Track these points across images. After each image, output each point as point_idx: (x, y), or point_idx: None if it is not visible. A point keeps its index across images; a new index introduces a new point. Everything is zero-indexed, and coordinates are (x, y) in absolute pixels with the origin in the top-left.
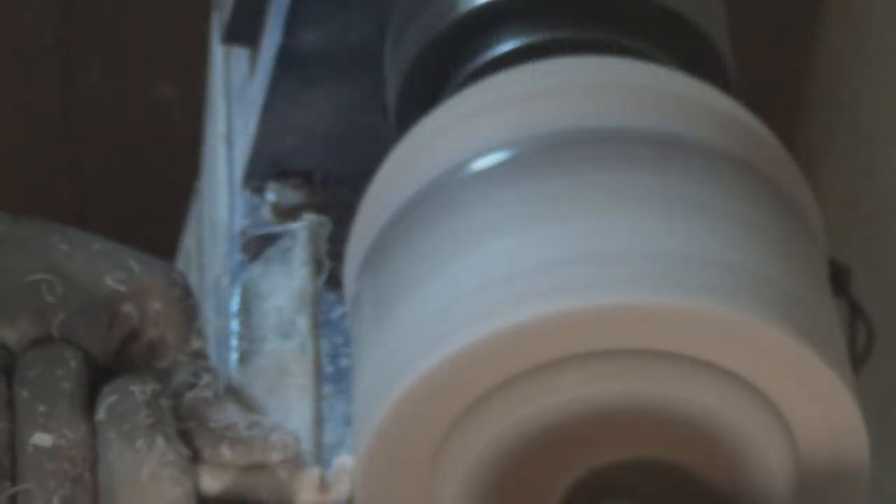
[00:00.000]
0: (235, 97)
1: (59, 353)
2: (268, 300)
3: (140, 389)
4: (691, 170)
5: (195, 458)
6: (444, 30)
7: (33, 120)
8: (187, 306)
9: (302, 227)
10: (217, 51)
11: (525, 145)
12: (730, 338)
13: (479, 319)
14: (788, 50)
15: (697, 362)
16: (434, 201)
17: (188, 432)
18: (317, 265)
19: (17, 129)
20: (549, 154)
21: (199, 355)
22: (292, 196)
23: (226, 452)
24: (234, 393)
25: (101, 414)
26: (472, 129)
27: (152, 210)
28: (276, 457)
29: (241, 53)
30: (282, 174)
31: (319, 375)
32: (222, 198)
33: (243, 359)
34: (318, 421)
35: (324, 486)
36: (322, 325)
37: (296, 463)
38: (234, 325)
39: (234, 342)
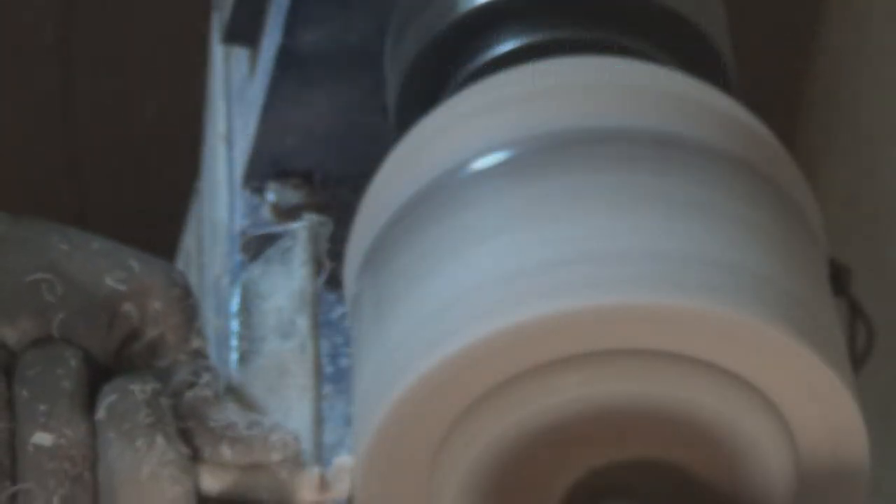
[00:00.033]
0: (235, 97)
1: (59, 353)
2: (268, 300)
3: (140, 388)
4: (691, 170)
5: (195, 457)
6: (444, 30)
7: (33, 120)
8: (187, 306)
9: (302, 227)
10: (217, 51)
11: (525, 145)
12: (730, 338)
13: (479, 319)
14: (788, 50)
15: (697, 362)
16: (434, 201)
17: (188, 431)
18: (317, 265)
19: (17, 129)
20: (549, 154)
21: (199, 355)
22: (292, 196)
23: (226, 452)
24: (234, 393)
25: (101, 413)
26: (472, 129)
27: (152, 210)
28: (276, 456)
29: (241, 53)
30: (282, 174)
31: (319, 375)
32: (222, 198)
33: (243, 359)
34: (318, 421)
35: (324, 485)
36: (322, 325)
37: (296, 462)
38: (234, 325)
39: (234, 342)
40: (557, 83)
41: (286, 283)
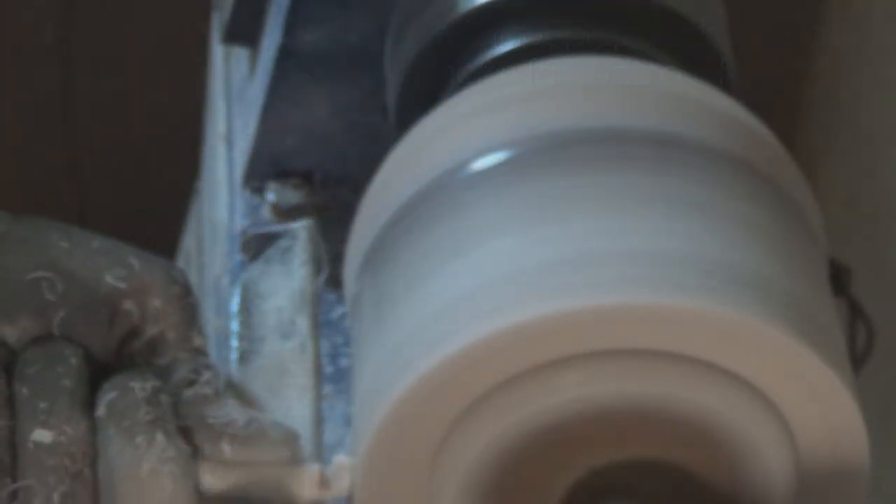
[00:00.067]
0: (235, 97)
1: (59, 351)
2: (268, 300)
3: (140, 386)
4: (691, 170)
5: (195, 454)
6: (444, 30)
7: (33, 120)
8: (187, 304)
9: (302, 227)
10: (217, 51)
11: (525, 145)
12: (730, 338)
13: (479, 319)
14: (788, 50)
15: (697, 362)
16: (434, 201)
17: (188, 429)
18: (317, 265)
19: (17, 129)
20: (548, 154)
21: (200, 352)
22: (292, 196)
23: (226, 449)
24: (235, 392)
25: (101, 410)
26: (472, 129)
27: (152, 210)
28: (275, 453)
29: (241, 53)
30: (282, 174)
31: (319, 375)
32: (222, 198)
33: (243, 359)
34: (318, 421)
35: (323, 482)
36: (322, 325)
37: (295, 459)
38: (234, 325)
39: (234, 342)
40: (557, 83)
41: (286, 283)
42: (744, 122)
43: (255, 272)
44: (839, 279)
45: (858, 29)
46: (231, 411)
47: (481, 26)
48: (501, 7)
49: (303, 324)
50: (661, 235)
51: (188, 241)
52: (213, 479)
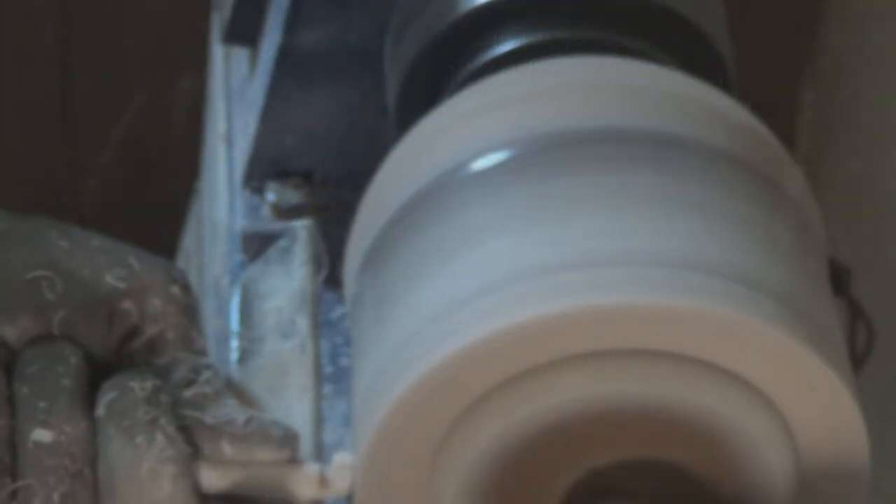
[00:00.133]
0: (235, 97)
1: (59, 350)
2: (268, 300)
3: (140, 386)
4: (691, 170)
5: (195, 454)
6: (444, 30)
7: (33, 120)
8: (187, 304)
9: (302, 227)
10: (217, 51)
11: (525, 145)
12: (730, 338)
13: (480, 319)
14: (788, 50)
15: (697, 362)
16: (434, 201)
17: (188, 428)
18: (317, 265)
19: (17, 129)
20: (548, 154)
21: (199, 352)
22: (292, 196)
23: (226, 448)
24: (235, 392)
25: (100, 410)
26: (472, 129)
27: (152, 210)
28: (275, 452)
29: (241, 53)
30: (282, 174)
31: (319, 375)
32: (222, 198)
33: (243, 359)
34: (318, 421)
35: (323, 481)
36: (322, 325)
37: (295, 459)
38: (234, 325)
39: (234, 342)
40: (557, 83)
41: (286, 283)
42: (744, 122)
43: (255, 272)
44: (839, 279)
45: (858, 29)
46: (231, 411)
47: (481, 26)
48: (501, 7)
49: (303, 324)
50: (661, 235)
51: (188, 241)
52: (212, 479)
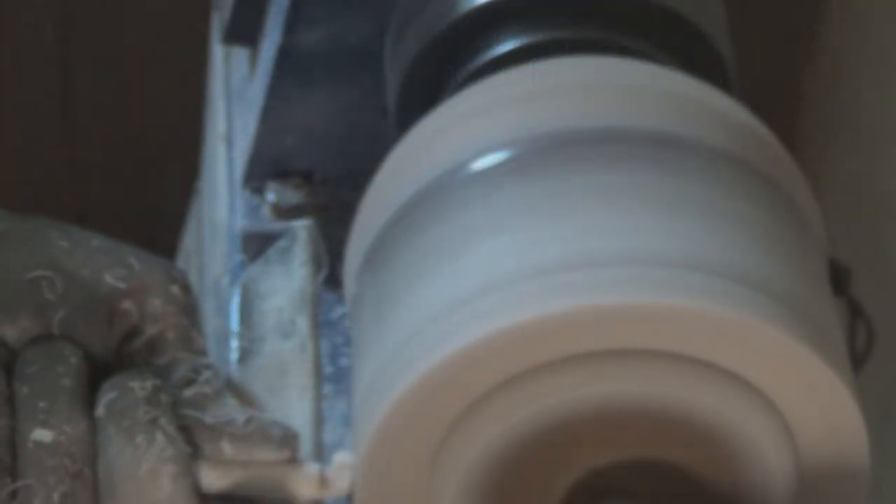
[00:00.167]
0: (235, 97)
1: (59, 350)
2: (268, 300)
3: (140, 385)
4: (691, 170)
5: (195, 454)
6: (444, 30)
7: (33, 120)
8: (187, 304)
9: (302, 227)
10: (217, 51)
11: (525, 145)
12: (730, 338)
13: (479, 319)
14: (788, 50)
15: (697, 362)
16: (434, 201)
17: (188, 428)
18: (317, 265)
19: (17, 129)
20: (548, 154)
21: (199, 352)
22: (292, 196)
23: (226, 448)
24: (235, 392)
25: (100, 410)
26: (472, 129)
27: (152, 210)
28: (275, 452)
29: (241, 53)
30: (282, 174)
31: (319, 375)
32: (222, 198)
33: (243, 359)
34: (318, 421)
35: (323, 481)
36: (322, 325)
37: (295, 459)
38: (234, 325)
39: (234, 342)
40: (557, 83)
41: (286, 283)
42: (744, 122)
43: (255, 272)
44: (839, 279)
45: (858, 29)
46: (231, 411)
47: (481, 26)
48: (501, 7)
49: (303, 324)
50: (661, 235)
51: (188, 241)
52: (212, 479)
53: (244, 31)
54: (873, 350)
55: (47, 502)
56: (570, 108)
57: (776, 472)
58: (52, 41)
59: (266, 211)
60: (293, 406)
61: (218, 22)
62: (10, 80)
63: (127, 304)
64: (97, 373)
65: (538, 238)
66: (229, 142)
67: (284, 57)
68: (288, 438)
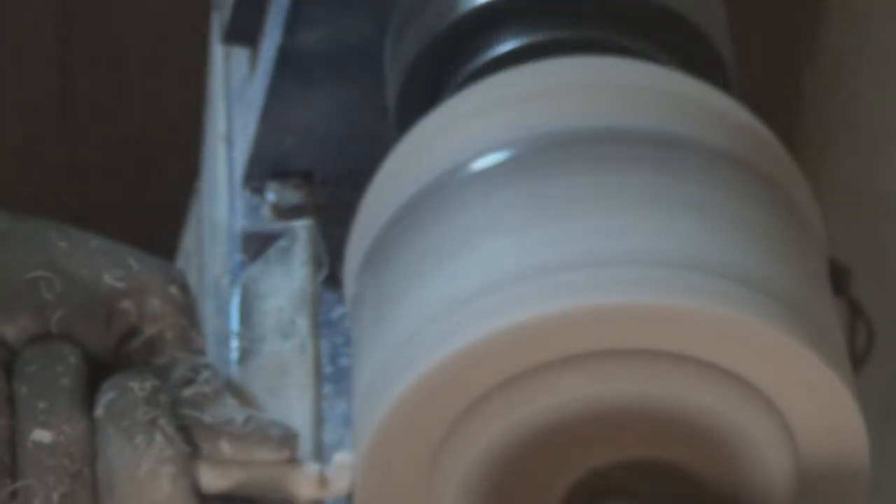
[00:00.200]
0: (235, 97)
1: (58, 350)
2: (268, 300)
3: (139, 386)
4: (691, 170)
5: (194, 453)
6: (444, 30)
7: (33, 120)
8: (185, 304)
9: (302, 227)
10: (217, 51)
11: (525, 145)
12: (730, 338)
13: (480, 319)
14: (788, 50)
15: (697, 362)
16: (434, 201)
17: (187, 428)
18: (317, 265)
19: (17, 129)
20: (548, 154)
21: (198, 352)
22: (292, 196)
23: (225, 447)
24: (234, 392)
25: (100, 410)
26: (472, 129)
27: (152, 210)
28: (274, 452)
29: (241, 53)
30: (282, 174)
31: (319, 375)
32: (222, 198)
33: (243, 359)
34: (318, 421)
35: (323, 481)
36: (322, 325)
37: (295, 458)
38: (234, 325)
39: (234, 342)
40: (557, 83)
41: (286, 283)
42: (744, 122)
43: (255, 272)
44: (839, 279)
45: (858, 29)
46: (230, 410)
47: (481, 26)
48: (501, 7)
49: (303, 324)
50: (661, 235)
51: (188, 241)
52: (212, 479)
53: (244, 31)
54: (873, 350)
55: (47, 502)
56: (570, 108)
57: (776, 472)
58: (52, 41)
59: (266, 211)
60: (293, 406)
61: (218, 22)
62: (10, 80)
63: (125, 304)
64: (96, 373)
65: (538, 238)
66: (229, 142)
67: (284, 57)
68: (287, 438)
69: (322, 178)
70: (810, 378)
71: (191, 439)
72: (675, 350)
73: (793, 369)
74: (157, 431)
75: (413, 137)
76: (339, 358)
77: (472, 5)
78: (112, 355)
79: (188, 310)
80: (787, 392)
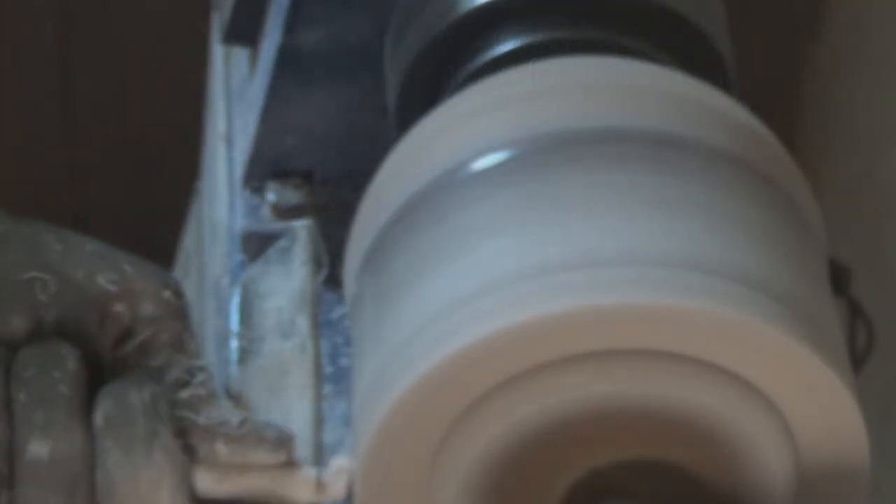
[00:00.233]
0: (235, 97)
1: (55, 351)
2: (268, 300)
3: (138, 395)
4: (691, 170)
5: (191, 455)
6: (444, 30)
7: (33, 120)
8: (179, 308)
9: (302, 227)
10: (217, 51)
11: (525, 145)
12: (730, 338)
13: (480, 319)
14: (788, 50)
15: (697, 362)
16: (434, 201)
17: (183, 430)
18: (317, 265)
19: (17, 129)
20: (549, 154)
21: (192, 356)
22: (292, 196)
23: (220, 449)
24: (234, 393)
25: (98, 421)
26: (472, 129)
27: (152, 210)
28: (271, 454)
29: (241, 53)
30: (282, 174)
31: (319, 375)
32: (222, 198)
33: (243, 359)
34: (318, 421)
35: (320, 486)
36: (322, 325)
37: (292, 461)
38: (234, 325)
39: (234, 342)
40: (557, 83)
41: (286, 283)
42: (744, 122)
43: (255, 272)
44: (839, 279)
45: (858, 29)
46: (225, 412)
47: (481, 26)
48: (501, 7)
49: (303, 324)
50: (661, 235)
51: (188, 241)
52: (209, 483)
53: (244, 31)
54: (873, 350)
55: None
56: (570, 108)
57: (776, 472)
58: (52, 41)
59: (266, 211)
60: (293, 406)
61: (218, 22)
62: (10, 80)
63: (119, 307)
64: (93, 374)
65: (538, 238)
66: (229, 142)
67: (284, 57)
68: (283, 440)
69: (322, 178)
70: (810, 378)
71: (187, 441)
72: (675, 350)
73: (793, 369)
74: (155, 443)
75: (413, 137)
76: (339, 358)
77: (472, 5)
78: (108, 356)
79: (182, 314)
80: (787, 392)
